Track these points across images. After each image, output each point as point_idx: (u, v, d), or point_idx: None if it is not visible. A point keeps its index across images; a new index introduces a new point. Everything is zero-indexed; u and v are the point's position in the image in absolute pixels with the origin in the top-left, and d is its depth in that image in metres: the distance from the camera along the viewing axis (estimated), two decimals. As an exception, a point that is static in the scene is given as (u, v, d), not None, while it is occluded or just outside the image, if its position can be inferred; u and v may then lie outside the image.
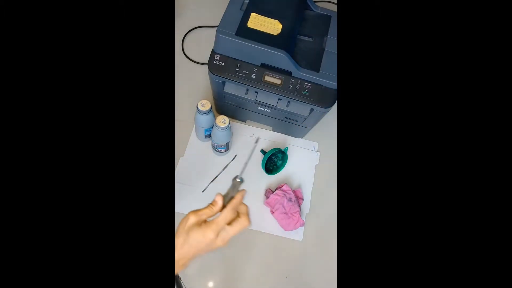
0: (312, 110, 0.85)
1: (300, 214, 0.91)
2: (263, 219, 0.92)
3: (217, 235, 0.50)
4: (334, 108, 0.84)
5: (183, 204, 0.91)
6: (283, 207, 0.90)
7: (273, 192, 0.93)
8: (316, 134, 1.03)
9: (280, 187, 0.94)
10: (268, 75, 0.81)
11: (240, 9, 0.82)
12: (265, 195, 0.95)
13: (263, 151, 0.97)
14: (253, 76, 0.81)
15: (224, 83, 0.85)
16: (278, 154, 0.98)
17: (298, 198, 0.94)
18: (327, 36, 0.85)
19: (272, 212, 0.91)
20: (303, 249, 0.90)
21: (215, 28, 0.78)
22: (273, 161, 0.99)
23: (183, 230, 0.50)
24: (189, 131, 1.01)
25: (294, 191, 0.94)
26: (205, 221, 0.51)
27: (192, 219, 0.50)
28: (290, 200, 0.91)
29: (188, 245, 0.49)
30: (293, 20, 0.83)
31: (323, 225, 0.93)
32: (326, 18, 0.89)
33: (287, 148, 0.96)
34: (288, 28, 0.81)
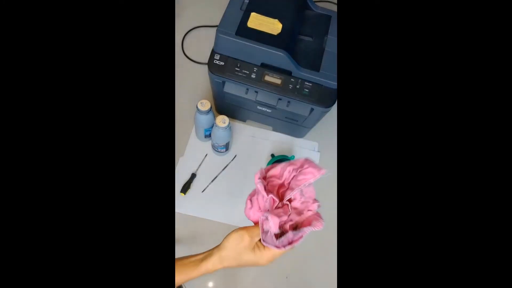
0: (312, 110, 0.85)
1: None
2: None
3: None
4: (334, 108, 0.84)
5: (183, 204, 0.91)
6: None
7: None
8: (316, 134, 1.03)
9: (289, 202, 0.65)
10: (268, 75, 0.81)
11: (240, 9, 0.82)
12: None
13: (272, 155, 0.96)
14: (253, 76, 0.81)
15: (224, 83, 0.85)
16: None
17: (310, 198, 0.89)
18: (327, 36, 0.85)
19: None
20: (303, 249, 0.90)
21: (215, 28, 0.78)
22: None
23: (235, 247, 0.51)
24: (189, 131, 1.01)
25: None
26: (257, 244, 0.52)
27: (247, 241, 0.51)
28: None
29: (237, 263, 0.51)
30: (293, 20, 0.83)
31: (323, 225, 0.93)
32: (326, 18, 0.89)
33: (293, 156, 0.94)
34: (288, 28, 0.81)
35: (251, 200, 0.56)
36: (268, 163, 0.94)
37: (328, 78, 0.80)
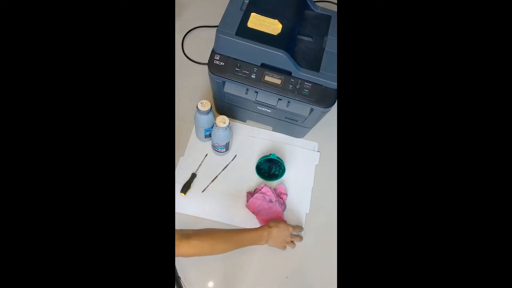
0: (312, 110, 0.85)
1: (282, 215, 0.90)
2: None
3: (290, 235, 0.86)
4: (334, 108, 0.84)
5: (183, 204, 0.91)
6: (264, 210, 0.89)
7: (252, 195, 0.92)
8: (316, 134, 1.03)
9: (260, 190, 0.92)
10: (268, 75, 0.81)
11: (240, 9, 0.82)
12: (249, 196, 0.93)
13: (273, 155, 0.96)
14: (253, 76, 0.81)
15: (224, 83, 0.85)
16: (279, 164, 0.96)
17: (281, 194, 0.93)
18: (327, 36, 0.85)
19: (256, 214, 0.91)
20: (303, 249, 0.90)
21: (215, 28, 0.78)
22: (278, 165, 0.98)
23: (283, 233, 0.84)
24: (189, 131, 1.01)
25: (275, 189, 0.93)
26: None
27: (290, 229, 0.85)
28: (270, 201, 0.90)
29: (277, 243, 0.85)
30: (293, 20, 0.83)
31: (323, 225, 0.93)
32: (326, 18, 0.89)
33: (274, 154, 0.93)
34: (288, 28, 0.81)
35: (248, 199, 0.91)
36: (259, 160, 0.94)
37: (328, 78, 0.80)
